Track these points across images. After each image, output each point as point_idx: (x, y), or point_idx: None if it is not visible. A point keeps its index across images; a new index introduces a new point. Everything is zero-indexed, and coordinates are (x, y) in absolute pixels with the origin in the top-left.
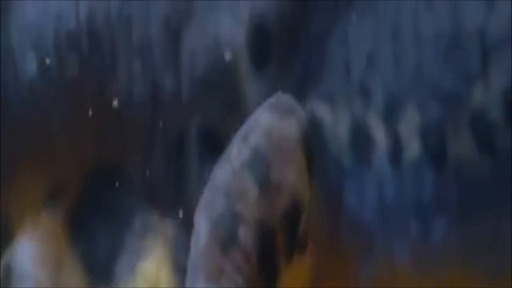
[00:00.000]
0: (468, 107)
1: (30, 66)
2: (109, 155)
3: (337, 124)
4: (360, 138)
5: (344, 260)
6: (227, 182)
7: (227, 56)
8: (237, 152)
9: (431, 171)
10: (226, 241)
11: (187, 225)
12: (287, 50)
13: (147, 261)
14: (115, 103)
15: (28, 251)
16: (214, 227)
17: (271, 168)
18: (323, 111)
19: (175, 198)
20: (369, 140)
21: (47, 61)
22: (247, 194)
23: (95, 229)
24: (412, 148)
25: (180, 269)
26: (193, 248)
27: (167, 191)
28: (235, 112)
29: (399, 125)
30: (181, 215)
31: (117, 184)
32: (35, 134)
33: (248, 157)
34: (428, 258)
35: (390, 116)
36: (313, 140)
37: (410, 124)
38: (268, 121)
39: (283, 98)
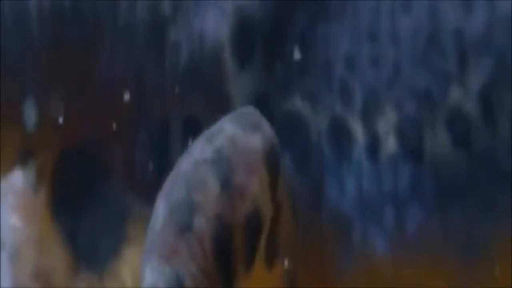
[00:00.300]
0: (444, 105)
1: (14, 40)
2: (90, 137)
3: (317, 120)
4: (340, 133)
5: (324, 253)
6: (188, 172)
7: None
8: (200, 149)
9: (407, 165)
10: (182, 226)
11: None
12: (271, 47)
13: (130, 247)
14: (127, 96)
15: (12, 224)
16: (171, 212)
17: (234, 172)
18: (304, 107)
19: (157, 188)
20: (348, 135)
21: (31, 36)
22: (207, 187)
23: (78, 212)
24: (389, 143)
25: None
26: (150, 230)
27: (150, 179)
28: (219, 105)
29: (377, 122)
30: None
31: (98, 168)
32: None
33: (211, 156)
34: (405, 248)
35: (368, 113)
36: (278, 157)
37: (387, 121)
38: (233, 131)
39: (249, 111)
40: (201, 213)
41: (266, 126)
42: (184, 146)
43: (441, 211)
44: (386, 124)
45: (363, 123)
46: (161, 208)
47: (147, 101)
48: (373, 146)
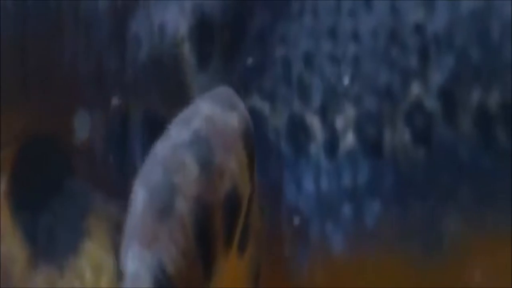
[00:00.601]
0: (405, 100)
1: None
2: (50, 130)
3: (276, 117)
4: (298, 131)
5: (282, 250)
6: (166, 156)
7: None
8: (177, 132)
9: (366, 161)
10: (162, 210)
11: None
12: (230, 45)
13: (90, 241)
14: (115, 101)
15: None
16: (150, 196)
17: (212, 152)
18: (263, 105)
19: (117, 181)
20: (307, 133)
21: None
22: (186, 169)
23: (37, 205)
24: (348, 139)
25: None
26: (129, 216)
27: (110, 172)
28: (178, 100)
29: (336, 119)
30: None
31: (58, 161)
32: None
33: (189, 138)
34: (363, 243)
35: (327, 110)
36: (253, 138)
37: (346, 117)
38: (210, 111)
39: (225, 91)
40: (181, 195)
41: (241, 105)
42: (143, 140)
43: (400, 206)
44: (345, 120)
45: (321, 120)
46: (140, 193)
47: (107, 93)
48: (332, 142)
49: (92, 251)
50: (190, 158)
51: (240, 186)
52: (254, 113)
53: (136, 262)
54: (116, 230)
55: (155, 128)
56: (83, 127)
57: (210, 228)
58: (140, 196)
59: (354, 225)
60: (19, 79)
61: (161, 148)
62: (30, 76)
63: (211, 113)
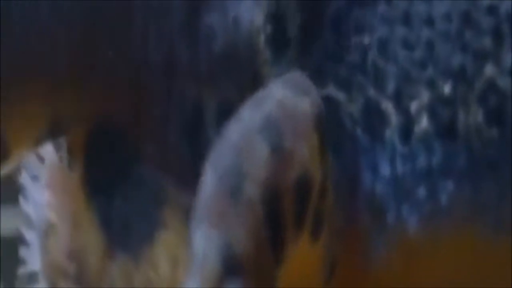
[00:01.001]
0: (478, 81)
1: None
2: (123, 120)
3: (351, 105)
4: (373, 117)
5: (358, 236)
6: (236, 139)
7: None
8: (248, 116)
9: (440, 142)
10: (231, 192)
11: None
12: (305, 35)
13: (165, 231)
14: (189, 92)
15: (46, 201)
16: (220, 179)
17: (283, 137)
18: (339, 93)
19: (192, 172)
20: (382, 118)
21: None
22: (256, 153)
23: (112, 194)
24: (422, 122)
25: None
26: (199, 198)
27: (184, 164)
28: (253, 92)
29: (410, 103)
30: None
31: (131, 151)
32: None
33: (260, 122)
34: (437, 222)
35: (401, 95)
36: (325, 124)
37: (420, 102)
38: (282, 95)
39: (298, 76)
40: (251, 179)
41: (313, 91)
42: (218, 132)
43: (474, 184)
44: (419, 104)
45: (396, 105)
46: (209, 175)
47: (181, 84)
48: (406, 126)
49: (168, 242)
50: (260, 142)
51: (311, 171)
52: (330, 102)
53: (205, 242)
54: (191, 220)
55: (229, 120)
56: (156, 119)
57: (280, 212)
58: (210, 178)
59: (429, 205)
60: (91, 69)
61: (232, 131)
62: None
63: (283, 97)
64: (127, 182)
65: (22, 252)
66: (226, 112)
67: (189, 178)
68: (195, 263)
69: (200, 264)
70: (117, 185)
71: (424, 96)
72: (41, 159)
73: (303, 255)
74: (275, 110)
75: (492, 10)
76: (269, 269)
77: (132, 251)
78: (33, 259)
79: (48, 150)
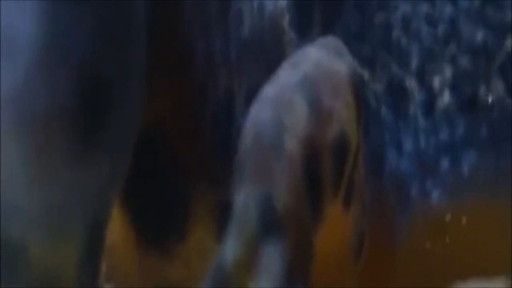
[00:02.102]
0: (499, 55)
1: None
2: (156, 114)
3: (375, 82)
4: (397, 94)
5: (384, 211)
6: (275, 96)
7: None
8: (286, 75)
9: (462, 116)
10: (271, 147)
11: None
12: (329, 14)
13: (195, 227)
14: (222, 80)
15: None
16: (260, 134)
17: (321, 95)
18: (363, 71)
19: (223, 163)
20: (405, 95)
21: None
22: (295, 109)
23: (143, 189)
24: (444, 97)
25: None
26: (239, 154)
27: (216, 154)
28: None
29: (433, 79)
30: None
31: (162, 142)
32: None
33: (298, 80)
34: (460, 193)
35: (424, 71)
36: (361, 88)
37: (442, 77)
38: (318, 56)
39: (333, 40)
40: (290, 135)
41: (348, 55)
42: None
43: (495, 154)
44: (442, 80)
45: (419, 81)
46: (249, 131)
47: (214, 74)
48: (429, 102)
49: (199, 237)
50: (299, 99)
51: (348, 132)
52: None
53: (245, 196)
54: (222, 215)
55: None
56: (186, 108)
57: (319, 169)
58: (249, 133)
59: (452, 177)
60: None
61: (271, 88)
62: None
63: (319, 58)
64: (159, 177)
65: None
66: (255, 97)
67: (220, 172)
68: (234, 219)
69: (240, 219)
70: (149, 180)
71: (447, 71)
72: None
73: (335, 224)
74: (312, 70)
75: None
76: (307, 226)
77: (163, 247)
78: None
79: None
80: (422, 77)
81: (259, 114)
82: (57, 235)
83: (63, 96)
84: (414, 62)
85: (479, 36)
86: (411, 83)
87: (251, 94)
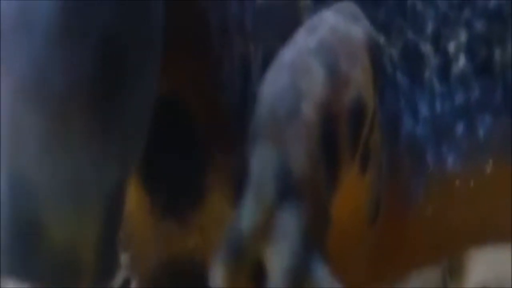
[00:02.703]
0: None
1: None
2: (173, 83)
3: (391, 48)
4: (412, 59)
5: (400, 176)
6: (292, 60)
7: None
8: (303, 40)
9: (477, 79)
10: (288, 112)
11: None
12: None
13: (211, 195)
14: (237, 47)
15: None
16: (277, 98)
17: (338, 60)
18: (378, 36)
19: (238, 131)
20: (421, 60)
21: None
22: (312, 74)
23: (159, 157)
24: (460, 62)
25: None
26: (255, 120)
27: (231, 123)
28: None
29: (448, 44)
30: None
31: (179, 111)
32: None
33: (315, 45)
34: (476, 158)
35: (439, 36)
36: (378, 53)
37: (457, 42)
38: (335, 21)
39: (349, 5)
40: (307, 99)
41: (365, 20)
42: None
43: (511, 118)
44: (457, 45)
45: (434, 46)
46: (265, 96)
47: (231, 42)
48: (444, 66)
49: (215, 205)
50: (316, 64)
51: (365, 97)
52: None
53: (261, 162)
54: (238, 182)
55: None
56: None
57: (336, 134)
58: (266, 99)
59: (467, 141)
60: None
61: (287, 54)
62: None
63: (335, 23)
64: (176, 144)
65: None
66: (271, 63)
67: (237, 139)
68: (250, 185)
69: (256, 185)
70: (165, 148)
71: (462, 36)
72: None
73: (351, 189)
74: (329, 35)
75: None
76: (323, 191)
77: (179, 215)
78: None
79: None
80: (437, 42)
81: (276, 79)
82: (75, 211)
83: (81, 70)
84: (430, 27)
85: (493, 1)
86: (427, 48)
87: (267, 60)
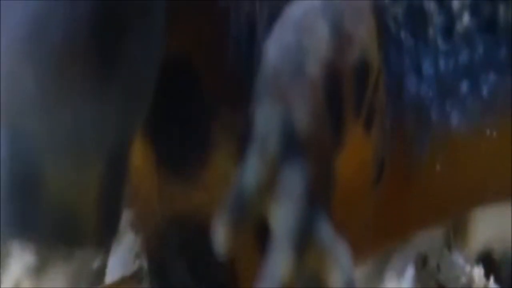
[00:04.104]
0: None
1: None
2: (178, 40)
3: (395, 6)
4: (416, 17)
5: (404, 135)
6: (297, 18)
7: None
8: None
9: (481, 37)
10: (293, 69)
11: None
12: None
13: (216, 153)
14: (245, 5)
15: None
16: (282, 55)
17: (343, 18)
18: None
19: (244, 89)
20: (424, 18)
21: None
22: (317, 32)
23: (164, 114)
24: (464, 20)
25: None
26: (260, 77)
27: (237, 80)
28: None
29: (452, 1)
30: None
31: (186, 71)
32: None
33: (320, 3)
34: (480, 115)
35: None
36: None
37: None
38: None
39: None
40: (312, 57)
41: None
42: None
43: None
44: (461, 2)
45: (438, 3)
46: (271, 52)
47: (237, 2)
48: (448, 24)
49: (220, 163)
50: (321, 22)
51: (370, 56)
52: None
53: (266, 119)
54: (244, 141)
55: None
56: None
57: (340, 92)
58: (271, 54)
59: (471, 98)
60: None
61: (293, 12)
62: None
63: None
64: (181, 102)
65: None
66: (277, 21)
67: (242, 97)
68: (255, 141)
69: (260, 141)
70: (171, 105)
71: None
72: None
73: (356, 148)
74: None
75: None
76: (328, 148)
77: (184, 172)
78: None
79: None
80: (441, 0)
81: (281, 37)
82: (75, 166)
83: (79, 24)
84: None
85: None
86: (430, 6)
87: (273, 18)
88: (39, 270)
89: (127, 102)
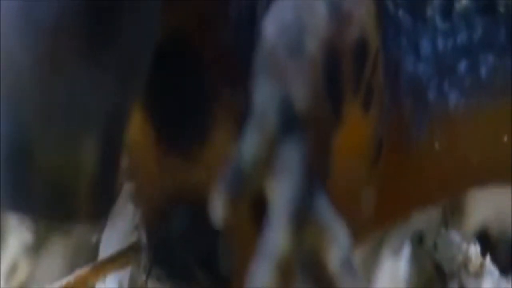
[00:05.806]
0: None
1: None
2: (178, 17)
3: None
4: None
5: (402, 115)
6: None
7: None
8: None
9: (480, 17)
10: (292, 47)
11: None
12: None
13: (216, 131)
14: None
15: None
16: (281, 33)
17: None
18: None
19: (245, 69)
20: None
21: None
22: (316, 11)
23: (163, 92)
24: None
25: None
26: (259, 54)
27: (237, 61)
28: None
29: None
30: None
31: (185, 50)
32: None
33: None
34: (478, 96)
35: None
36: None
37: None
38: None
39: None
40: (311, 35)
41: None
42: None
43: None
44: None
45: None
46: (269, 29)
47: None
48: (447, 3)
49: (219, 140)
50: (320, 1)
51: (369, 35)
52: None
53: (264, 96)
54: (243, 119)
55: None
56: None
57: (339, 70)
58: (270, 32)
59: (469, 79)
60: None
61: None
62: None
63: None
64: (181, 80)
65: None
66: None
67: (242, 76)
68: (253, 117)
69: (259, 118)
70: (170, 83)
71: None
72: None
73: (355, 128)
74: None
75: None
76: (326, 127)
77: (184, 149)
78: None
79: None
80: None
81: (279, 15)
82: (67, 137)
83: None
84: None
85: None
86: None
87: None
88: (37, 247)
89: (124, 71)
